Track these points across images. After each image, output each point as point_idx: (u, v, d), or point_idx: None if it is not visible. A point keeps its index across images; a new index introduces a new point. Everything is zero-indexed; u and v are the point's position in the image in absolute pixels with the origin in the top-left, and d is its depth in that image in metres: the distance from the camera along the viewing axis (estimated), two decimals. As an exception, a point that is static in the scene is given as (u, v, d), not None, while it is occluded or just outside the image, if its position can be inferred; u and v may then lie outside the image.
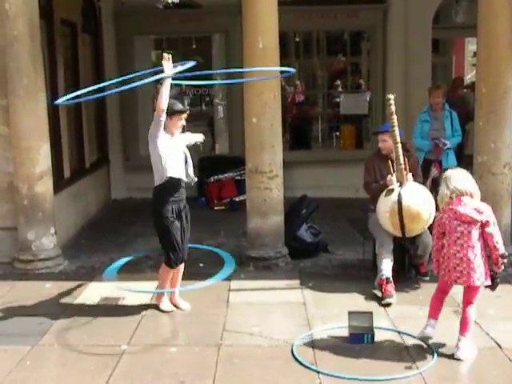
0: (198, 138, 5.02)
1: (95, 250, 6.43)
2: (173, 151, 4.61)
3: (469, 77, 12.76)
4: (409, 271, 5.44)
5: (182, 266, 4.84)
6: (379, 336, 4.21)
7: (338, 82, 10.49)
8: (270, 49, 5.67)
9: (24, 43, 5.63)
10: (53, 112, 6.59)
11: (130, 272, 5.69)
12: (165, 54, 4.48)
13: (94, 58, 8.61)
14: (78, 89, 7.60)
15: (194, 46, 10.30)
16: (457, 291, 5.08)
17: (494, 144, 5.67)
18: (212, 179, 8.69)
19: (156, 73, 4.59)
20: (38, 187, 5.82)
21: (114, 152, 9.16)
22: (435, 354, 3.96)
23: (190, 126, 10.61)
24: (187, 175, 4.73)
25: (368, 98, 9.48)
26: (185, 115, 4.67)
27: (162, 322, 4.67)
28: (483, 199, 5.67)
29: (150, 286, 5.32)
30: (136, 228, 7.27)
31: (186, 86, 8.97)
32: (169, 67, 4.44)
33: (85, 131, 8.08)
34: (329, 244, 6.35)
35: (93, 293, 5.23)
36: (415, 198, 4.92)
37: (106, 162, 9.06)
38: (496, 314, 4.67)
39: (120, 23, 8.85)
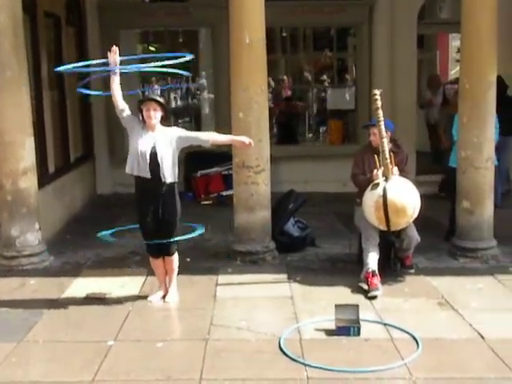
0: (205, 139, 4.74)
1: (81, 246, 6.40)
2: (139, 146, 4.58)
3: (453, 72, 12.85)
4: (394, 264, 5.48)
5: (167, 260, 4.84)
6: (365, 328, 4.23)
7: (325, 77, 10.51)
8: (257, 44, 5.66)
9: (7, 36, 5.55)
10: (37, 106, 6.54)
11: (114, 267, 5.69)
12: (113, 47, 4.55)
13: (78, 51, 8.53)
14: (62, 82, 7.59)
15: (181, 40, 10.26)
16: (440, 284, 5.17)
17: (477, 139, 5.72)
18: (199, 174, 8.68)
19: (104, 65, 4.69)
20: (22, 182, 5.76)
21: (100, 147, 9.09)
22: (420, 345, 4.00)
23: (176, 121, 10.58)
24: (160, 175, 4.56)
25: (354, 93, 9.51)
26: (152, 105, 4.57)
27: (149, 317, 4.66)
28: (467, 193, 5.78)
29: (136, 280, 5.32)
30: (122, 223, 7.18)
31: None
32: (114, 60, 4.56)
33: (69, 126, 8.03)
34: (316, 238, 6.37)
35: (78, 288, 5.20)
36: (400, 192, 4.95)
37: (91, 157, 9.01)
38: (478, 305, 4.74)
39: (105, 16, 8.77)
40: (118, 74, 4.62)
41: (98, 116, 8.97)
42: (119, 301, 4.90)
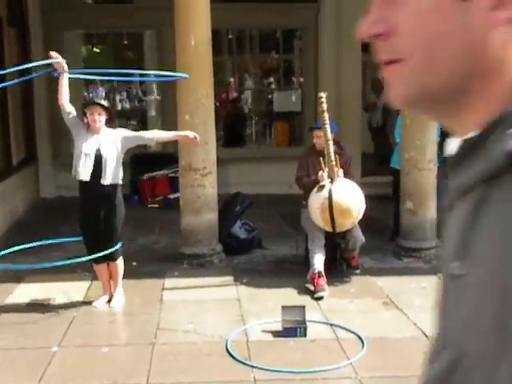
0: (149, 137, 4.81)
1: (23, 252, 6.19)
2: (84, 149, 4.52)
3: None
4: (340, 265, 5.57)
5: (112, 264, 4.77)
6: (312, 329, 4.28)
7: (271, 80, 10.59)
8: (203, 46, 5.66)
9: None
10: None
11: (59, 272, 5.54)
12: (51, 53, 4.46)
13: (20, 52, 8.30)
14: (3, 82, 7.36)
15: (126, 42, 10.14)
16: (385, 284, 5.28)
17: (420, 141, 5.88)
18: (145, 177, 8.59)
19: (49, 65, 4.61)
20: (-40, 186, 5.58)
21: (43, 149, 8.88)
22: (365, 345, 4.08)
23: (122, 123, 10.43)
24: (103, 177, 4.51)
25: (300, 96, 9.61)
26: (97, 109, 4.52)
27: (94, 323, 4.58)
28: (411, 194, 5.94)
29: (80, 286, 5.21)
30: (66, 228, 7.05)
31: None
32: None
33: (11, 128, 7.79)
34: (263, 240, 6.40)
35: (21, 295, 5.06)
36: (345, 193, 5.04)
37: (33, 160, 8.77)
38: (422, 304, 4.85)
39: (48, 17, 8.56)
40: (66, 77, 4.51)
41: (40, 117, 8.75)
42: (63, 306, 4.80)
